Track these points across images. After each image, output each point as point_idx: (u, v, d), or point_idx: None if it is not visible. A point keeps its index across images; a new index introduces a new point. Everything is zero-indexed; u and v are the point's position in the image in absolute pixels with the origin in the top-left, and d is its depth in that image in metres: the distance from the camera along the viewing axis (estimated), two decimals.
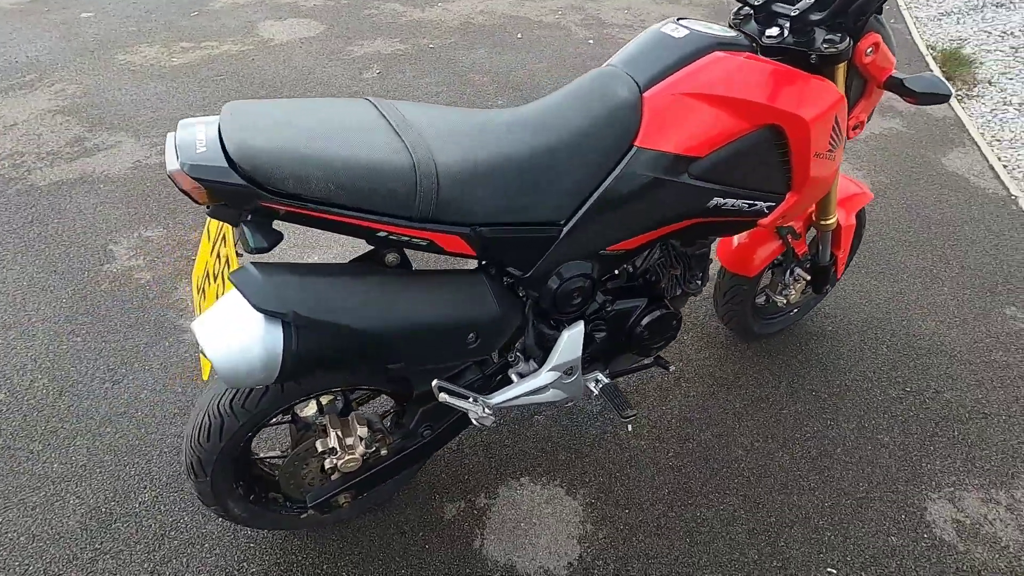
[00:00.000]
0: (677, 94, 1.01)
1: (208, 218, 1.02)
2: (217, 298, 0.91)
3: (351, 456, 1.11)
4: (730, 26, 1.17)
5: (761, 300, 1.75)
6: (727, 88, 1.01)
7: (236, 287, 0.83)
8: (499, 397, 1.13)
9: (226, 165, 0.78)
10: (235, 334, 0.82)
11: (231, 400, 1.05)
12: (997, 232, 2.36)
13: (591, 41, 3.90)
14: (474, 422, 1.12)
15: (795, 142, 1.07)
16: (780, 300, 1.66)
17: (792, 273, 1.62)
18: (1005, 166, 2.76)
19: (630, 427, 1.65)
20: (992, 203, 2.52)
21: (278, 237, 0.85)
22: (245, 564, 1.34)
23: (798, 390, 1.77)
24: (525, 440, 1.62)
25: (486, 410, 1.10)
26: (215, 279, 0.92)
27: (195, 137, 0.81)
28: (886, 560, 1.39)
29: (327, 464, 1.14)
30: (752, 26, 1.15)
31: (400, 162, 0.86)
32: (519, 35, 3.95)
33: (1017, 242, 2.32)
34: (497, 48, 3.77)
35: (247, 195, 0.79)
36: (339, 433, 1.12)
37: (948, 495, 1.52)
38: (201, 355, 0.95)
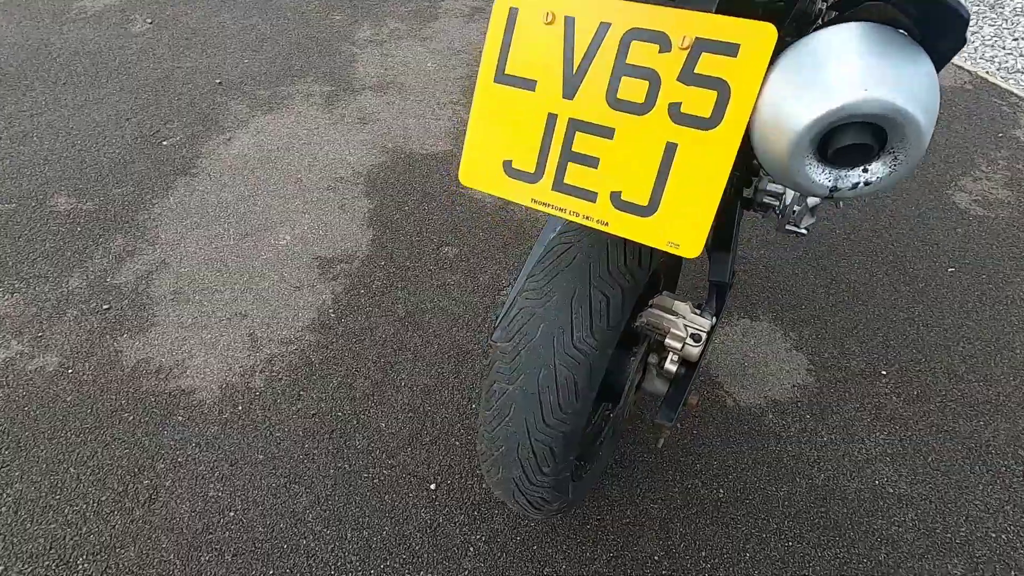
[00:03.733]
0: None
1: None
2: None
3: (701, 335, 0.87)
4: None
5: None
6: None
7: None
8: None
9: None
10: (901, 74, 0.51)
11: (587, 333, 0.72)
12: None
13: None
14: (804, 232, 0.97)
15: None
16: None
17: None
18: None
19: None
20: None
21: None
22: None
23: None
24: None
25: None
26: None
27: None
28: (958, 238, 1.67)
29: (670, 363, 0.89)
30: None
31: None
32: None
33: None
34: None
35: None
36: (680, 322, 0.87)
37: (957, 187, 1.87)
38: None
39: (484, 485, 1.14)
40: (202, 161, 1.86)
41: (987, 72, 2.51)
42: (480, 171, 0.66)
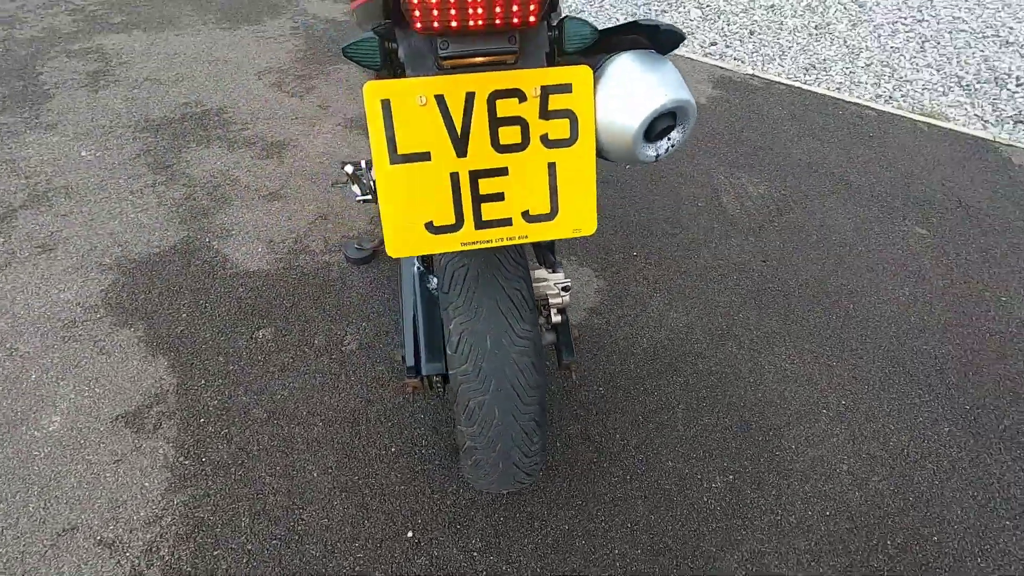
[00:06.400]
0: None
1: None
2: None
3: (568, 285, 1.12)
4: None
5: None
6: None
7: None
8: None
9: None
10: (676, 79, 0.76)
11: (521, 323, 0.89)
12: None
13: None
14: None
15: None
16: None
17: None
18: None
19: None
20: None
21: None
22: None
23: None
24: None
25: None
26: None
27: None
28: None
29: (555, 316, 1.12)
30: None
31: None
32: None
33: None
34: None
35: None
36: (550, 283, 1.09)
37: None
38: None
39: (450, 501, 1.23)
40: None
41: None
42: (406, 240, 0.75)
